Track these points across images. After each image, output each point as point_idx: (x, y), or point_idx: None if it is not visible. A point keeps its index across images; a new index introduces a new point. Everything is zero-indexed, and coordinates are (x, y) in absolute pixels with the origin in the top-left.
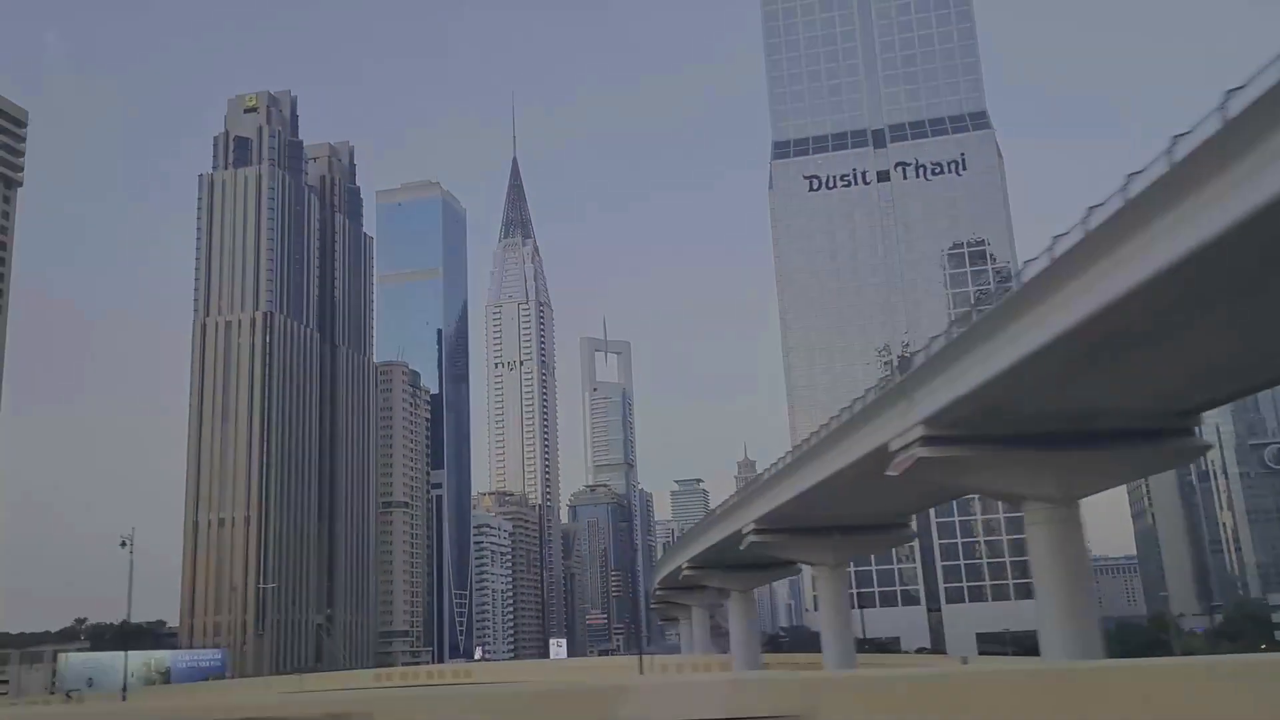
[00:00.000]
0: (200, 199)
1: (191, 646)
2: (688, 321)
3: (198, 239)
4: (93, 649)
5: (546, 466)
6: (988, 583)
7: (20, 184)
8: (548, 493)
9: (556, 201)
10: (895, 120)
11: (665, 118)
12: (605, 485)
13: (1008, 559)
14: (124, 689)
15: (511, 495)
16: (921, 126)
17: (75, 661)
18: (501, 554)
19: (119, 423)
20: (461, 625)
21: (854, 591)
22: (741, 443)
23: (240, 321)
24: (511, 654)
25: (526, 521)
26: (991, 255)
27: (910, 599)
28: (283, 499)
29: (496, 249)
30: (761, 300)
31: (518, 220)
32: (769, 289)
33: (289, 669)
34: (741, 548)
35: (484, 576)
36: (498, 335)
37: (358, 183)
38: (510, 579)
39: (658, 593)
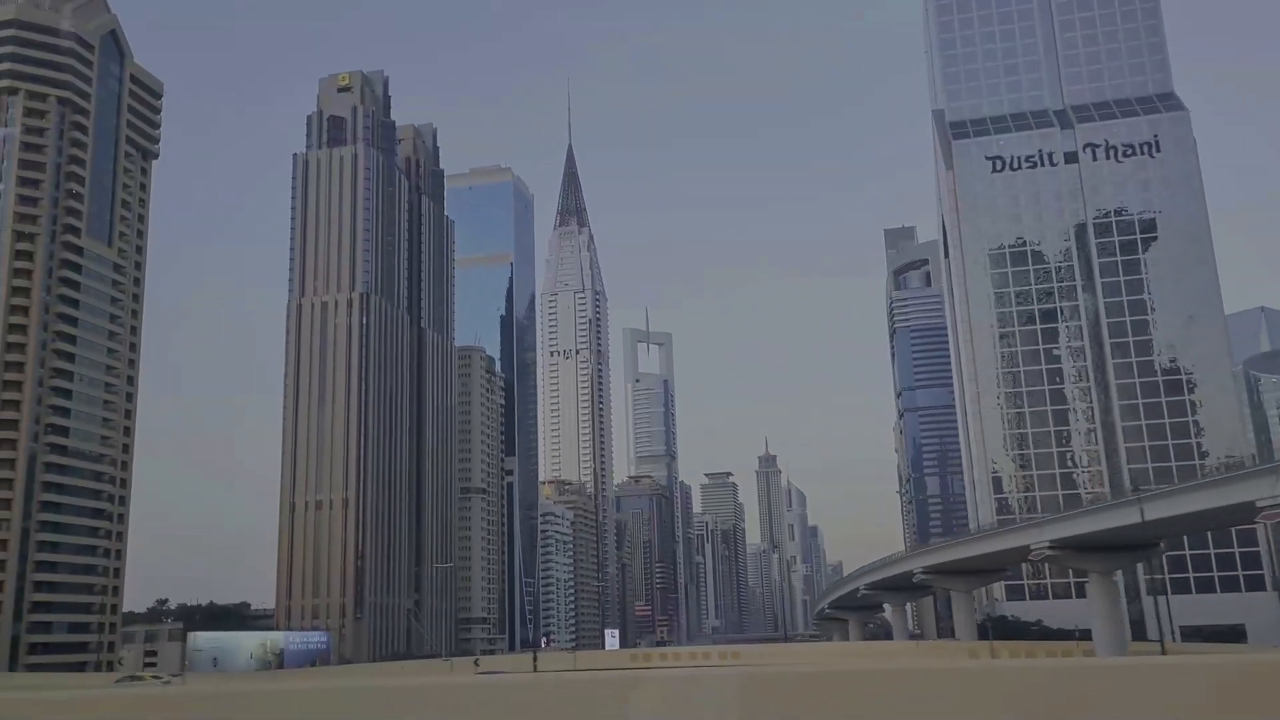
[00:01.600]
0: (295, 178)
1: (289, 628)
2: (726, 313)
3: (292, 218)
4: (185, 630)
5: (602, 457)
6: None
7: (156, 156)
8: (602, 483)
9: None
10: (1077, 101)
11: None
12: (649, 477)
13: None
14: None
15: (570, 484)
16: (1107, 107)
17: (202, 641)
18: (564, 543)
19: (210, 402)
20: (530, 614)
21: (1165, 577)
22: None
23: (337, 302)
24: (573, 644)
25: (586, 511)
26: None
27: (1255, 584)
28: (377, 482)
29: (551, 236)
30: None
31: (573, 208)
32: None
33: (387, 654)
34: (1029, 560)
35: (548, 565)
36: (553, 323)
37: (440, 165)
38: (572, 568)
39: (826, 610)
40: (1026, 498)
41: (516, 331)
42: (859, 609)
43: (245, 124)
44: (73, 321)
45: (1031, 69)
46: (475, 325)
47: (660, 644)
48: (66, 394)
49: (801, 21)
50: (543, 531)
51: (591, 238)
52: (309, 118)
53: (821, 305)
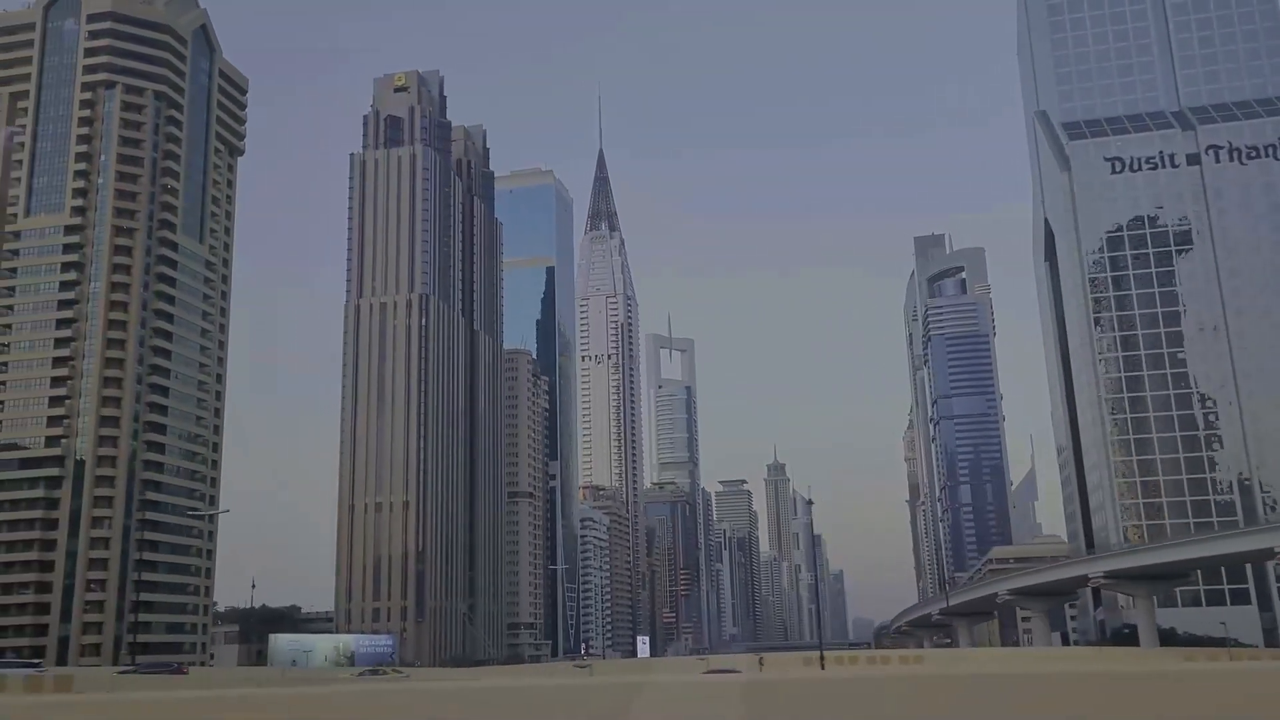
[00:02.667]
0: (351, 178)
1: (349, 631)
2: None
3: (349, 219)
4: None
5: (633, 463)
6: None
7: (242, 152)
8: (634, 489)
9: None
10: (1195, 103)
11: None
12: (672, 483)
13: None
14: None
15: (604, 489)
16: (1227, 109)
17: (284, 643)
18: (600, 549)
19: (262, 402)
20: (571, 619)
21: None
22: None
23: (395, 304)
24: (611, 649)
25: (620, 517)
26: None
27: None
28: (435, 485)
29: (583, 240)
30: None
31: (604, 212)
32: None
33: (446, 658)
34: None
35: (587, 571)
36: (585, 328)
37: (490, 167)
38: (609, 574)
39: (899, 628)
40: (1145, 506)
41: (557, 335)
42: (932, 626)
43: (283, 119)
44: (169, 318)
45: (1145, 70)
46: (512, 329)
47: (701, 651)
48: (164, 391)
49: (832, 23)
50: (581, 537)
51: (623, 242)
52: (365, 118)
53: (834, 309)
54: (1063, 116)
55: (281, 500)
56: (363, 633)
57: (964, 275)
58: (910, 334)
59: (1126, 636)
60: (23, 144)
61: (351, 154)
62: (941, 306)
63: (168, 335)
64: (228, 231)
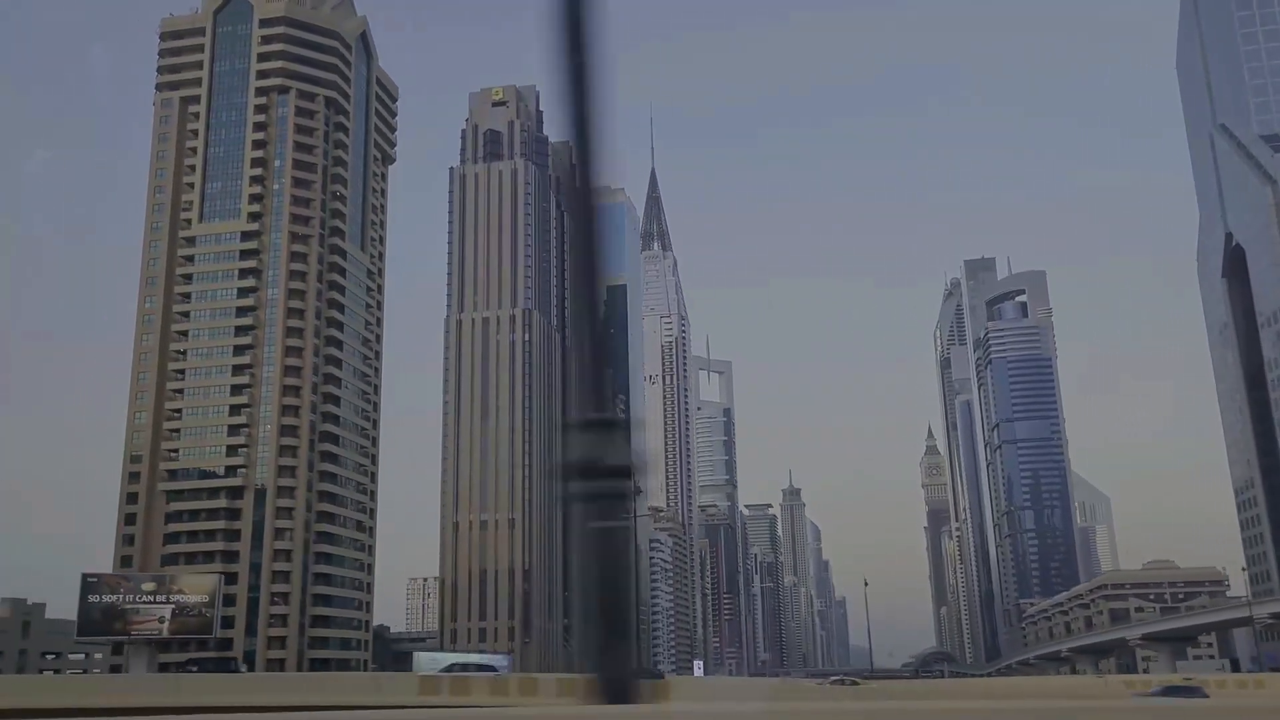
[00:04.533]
0: (451, 192)
1: (454, 650)
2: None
3: (449, 232)
4: None
5: (688, 484)
6: None
7: (393, 160)
8: (688, 511)
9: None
10: None
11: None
12: (714, 506)
13: None
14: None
15: (663, 511)
16: None
17: (424, 660)
18: (665, 570)
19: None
20: (644, 640)
21: None
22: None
23: (499, 319)
24: (674, 673)
25: (680, 539)
26: None
27: None
28: (538, 502)
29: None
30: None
31: (656, 232)
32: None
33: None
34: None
35: (655, 593)
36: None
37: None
38: (674, 596)
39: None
40: None
41: (629, 355)
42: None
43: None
44: (339, 326)
45: None
46: None
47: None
48: (336, 401)
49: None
50: (651, 558)
51: (675, 263)
52: (462, 131)
53: (860, 329)
54: (1260, 129)
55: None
56: (468, 652)
57: (1025, 298)
58: (944, 356)
59: None
60: (194, 149)
61: (451, 167)
62: (1003, 330)
63: (338, 344)
64: (382, 241)
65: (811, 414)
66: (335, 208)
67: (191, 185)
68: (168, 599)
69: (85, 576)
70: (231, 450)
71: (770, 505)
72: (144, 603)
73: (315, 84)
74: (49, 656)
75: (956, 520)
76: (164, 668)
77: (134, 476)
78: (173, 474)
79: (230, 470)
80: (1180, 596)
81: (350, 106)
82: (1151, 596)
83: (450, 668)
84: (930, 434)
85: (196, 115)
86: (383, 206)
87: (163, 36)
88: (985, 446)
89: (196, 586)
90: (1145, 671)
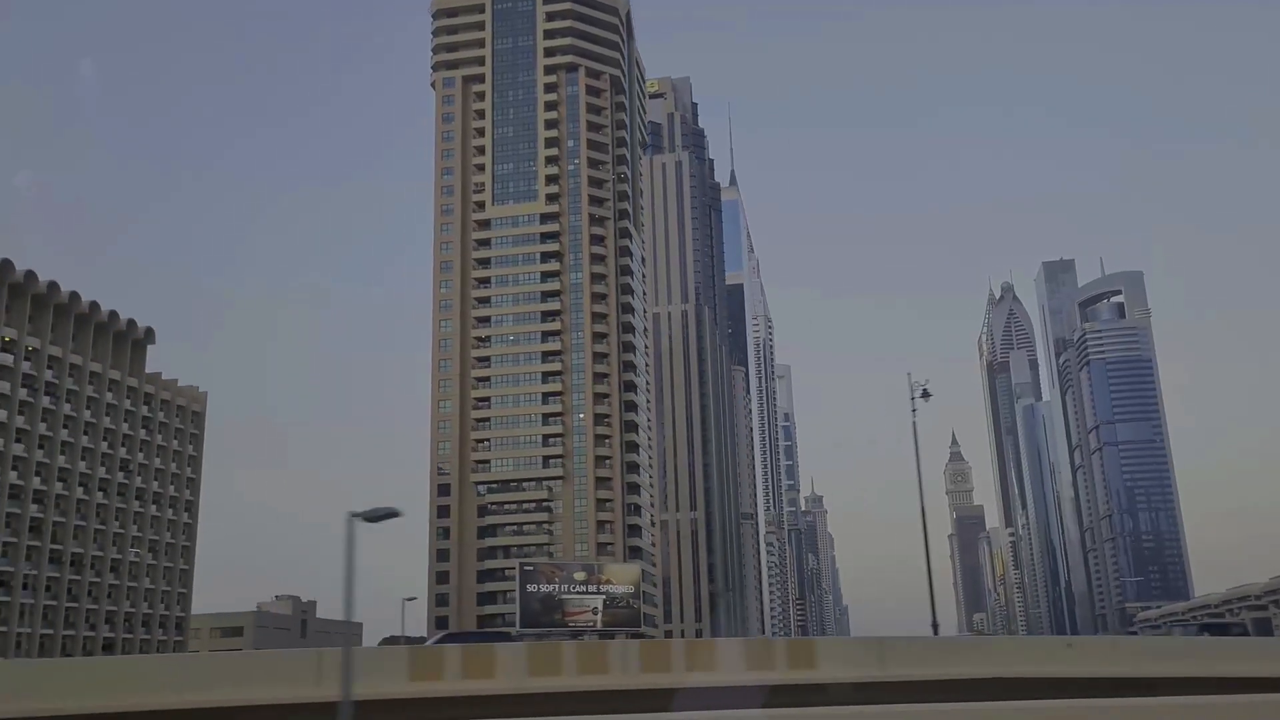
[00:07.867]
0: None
1: None
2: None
3: None
4: None
5: (778, 488)
6: None
7: (645, 143)
8: (783, 515)
9: None
10: None
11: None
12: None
13: None
14: None
15: (768, 515)
16: None
17: None
18: (774, 573)
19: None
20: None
21: None
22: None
23: (670, 314)
24: None
25: (781, 543)
26: None
27: None
28: (715, 502)
29: None
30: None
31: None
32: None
33: None
34: None
35: (773, 598)
36: None
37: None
38: (782, 599)
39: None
40: None
41: (748, 355)
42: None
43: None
44: (632, 311)
45: None
46: None
47: None
48: (634, 388)
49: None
50: (766, 561)
51: (758, 263)
52: None
53: (899, 338)
54: None
55: None
56: None
57: (1122, 299)
58: (996, 360)
59: None
60: (481, 130)
61: None
62: (1101, 331)
63: (632, 330)
64: (642, 226)
65: (818, 418)
66: (622, 189)
67: (481, 167)
68: (598, 589)
69: (521, 565)
70: (547, 440)
71: (810, 513)
72: (578, 593)
73: (601, 61)
74: None
75: (1018, 525)
76: None
77: (442, 470)
78: (483, 464)
79: (546, 461)
80: None
81: (627, 87)
82: None
83: None
84: (954, 440)
85: (480, 95)
86: (641, 191)
87: (435, 15)
88: (1075, 450)
89: (623, 576)
90: None
